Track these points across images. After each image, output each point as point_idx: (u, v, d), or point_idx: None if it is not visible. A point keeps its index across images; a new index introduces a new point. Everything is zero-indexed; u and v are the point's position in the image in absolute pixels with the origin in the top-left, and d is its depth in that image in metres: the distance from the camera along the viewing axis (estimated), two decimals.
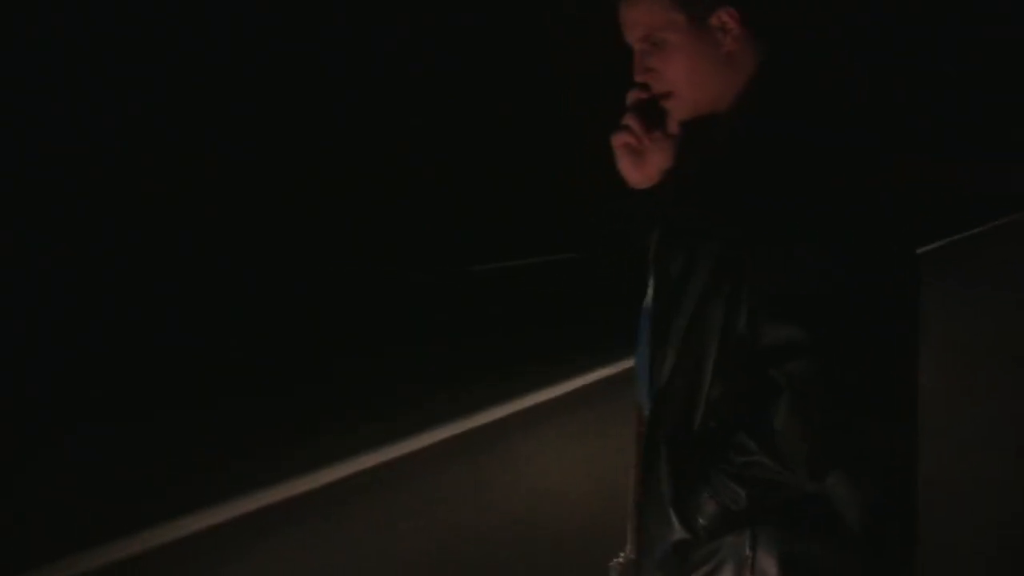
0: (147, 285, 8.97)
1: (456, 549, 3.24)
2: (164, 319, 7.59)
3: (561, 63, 16.42)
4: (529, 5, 16.78)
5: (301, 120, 13.51)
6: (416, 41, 15.58)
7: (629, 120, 1.38)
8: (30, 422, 4.72)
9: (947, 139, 31.58)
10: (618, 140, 1.39)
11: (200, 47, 12.14)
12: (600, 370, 5.26)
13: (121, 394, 5.25)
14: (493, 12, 16.41)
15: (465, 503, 3.63)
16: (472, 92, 16.15)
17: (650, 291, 1.38)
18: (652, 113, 1.37)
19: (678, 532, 1.22)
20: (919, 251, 1.32)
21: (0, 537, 3.33)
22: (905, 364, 1.22)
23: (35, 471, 4.02)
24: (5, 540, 3.31)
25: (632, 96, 1.38)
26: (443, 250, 11.60)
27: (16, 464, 4.07)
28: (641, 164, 1.39)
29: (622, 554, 1.52)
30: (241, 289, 9.17)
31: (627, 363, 1.52)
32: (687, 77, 1.28)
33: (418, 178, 14.68)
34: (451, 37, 16.03)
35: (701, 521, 1.20)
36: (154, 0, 11.71)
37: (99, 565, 3.10)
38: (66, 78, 10.90)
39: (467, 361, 5.88)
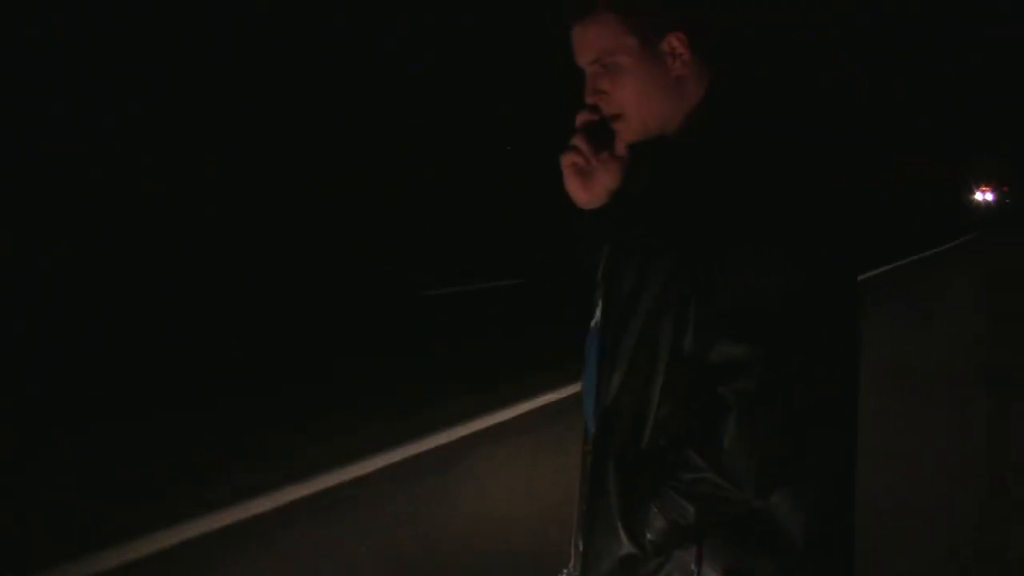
0: (147, 285, 8.98)
1: (402, 570, 3.20)
2: (164, 319, 7.60)
3: (561, 63, 16.41)
4: (529, 5, 16.79)
5: (301, 120, 13.55)
6: (416, 41, 15.60)
7: (577, 141, 1.38)
8: (30, 422, 4.72)
9: (947, 139, 31.61)
10: (566, 160, 1.39)
11: (200, 47, 12.16)
12: (546, 395, 5.25)
13: (121, 394, 5.25)
14: (493, 12, 16.43)
15: (415, 524, 3.58)
16: (472, 92, 16.18)
17: (598, 311, 1.39)
18: (600, 134, 1.37)
19: (625, 547, 1.23)
20: (871, 274, 1.32)
21: (0, 538, 3.32)
22: (848, 381, 1.24)
23: (35, 471, 4.01)
24: (5, 541, 3.31)
25: (581, 117, 1.38)
26: (394, 272, 11.55)
27: (16, 464, 4.06)
28: (588, 185, 1.39)
29: (565, 570, 1.52)
30: (241, 289, 9.18)
31: (574, 387, 1.51)
32: (637, 100, 1.30)
33: (418, 179, 14.72)
34: (451, 37, 16.05)
35: (649, 536, 1.21)
36: (154, 0, 11.72)
37: (98, 570, 3.10)
38: (66, 78, 10.92)
39: (413, 385, 5.83)
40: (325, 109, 13.99)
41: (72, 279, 8.81)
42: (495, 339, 7.69)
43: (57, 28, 10.82)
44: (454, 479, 4.15)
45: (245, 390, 5.49)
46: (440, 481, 4.11)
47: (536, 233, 12.26)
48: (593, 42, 1.29)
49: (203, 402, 5.17)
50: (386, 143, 14.66)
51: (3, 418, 4.76)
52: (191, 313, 7.94)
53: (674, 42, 1.26)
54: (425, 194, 14.37)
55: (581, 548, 1.40)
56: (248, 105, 12.75)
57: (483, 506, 3.83)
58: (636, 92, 1.29)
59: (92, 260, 9.43)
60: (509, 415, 5.11)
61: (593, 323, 1.41)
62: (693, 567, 1.21)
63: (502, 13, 16.59)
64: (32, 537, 3.37)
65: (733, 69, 1.30)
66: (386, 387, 5.74)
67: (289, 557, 3.30)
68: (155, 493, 3.79)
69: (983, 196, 44.54)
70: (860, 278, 1.29)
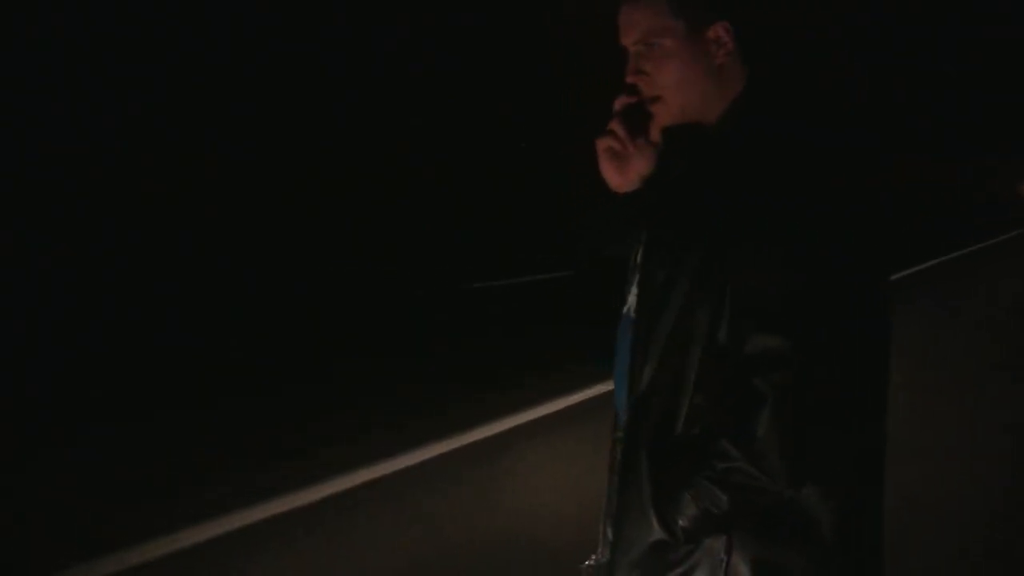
0: (147, 285, 8.97)
1: (449, 562, 3.24)
2: (164, 319, 7.59)
3: (561, 63, 16.44)
4: (529, 5, 16.78)
5: (301, 120, 13.52)
6: (416, 41, 15.58)
7: (615, 125, 1.42)
8: (31, 422, 4.72)
9: (947, 139, 31.45)
10: (602, 144, 1.43)
11: (200, 47, 12.15)
12: (587, 389, 5.26)
13: (121, 394, 5.25)
14: (493, 12, 16.41)
15: (456, 518, 3.62)
16: (472, 92, 16.15)
17: (630, 298, 1.40)
18: (637, 120, 1.40)
19: (657, 533, 1.24)
20: (906, 272, 1.33)
21: (0, 539, 3.32)
22: (879, 374, 1.25)
23: (36, 471, 4.02)
24: (8, 542, 3.31)
25: (619, 101, 1.41)
26: (442, 256, 11.62)
27: (17, 464, 4.07)
28: (623, 169, 1.44)
29: (593, 556, 1.55)
30: (241, 289, 9.17)
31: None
32: (677, 83, 1.31)
33: (418, 179, 14.69)
34: (451, 37, 16.03)
35: (681, 523, 1.22)
36: (154, 0, 11.72)
37: (108, 572, 3.09)
38: (66, 78, 10.91)
39: (458, 378, 5.88)
40: (325, 109, 13.97)
41: (72, 279, 8.82)
42: (538, 332, 7.62)
43: (57, 28, 10.81)
44: (495, 475, 4.16)
45: (258, 389, 5.50)
46: (482, 476, 4.13)
47: (533, 246, 12.30)
48: (641, 22, 1.30)
49: (203, 402, 5.18)
50: (386, 143, 14.64)
51: (5, 418, 4.76)
52: (192, 313, 7.95)
53: (720, 31, 1.28)
54: (425, 193, 14.35)
55: (610, 535, 1.41)
56: (248, 105, 12.74)
57: (523, 501, 3.85)
58: (677, 75, 1.30)
59: (92, 260, 9.43)
60: (548, 410, 5.12)
61: (625, 310, 1.41)
62: (722, 555, 1.22)
63: (502, 13, 16.57)
64: (33, 538, 3.37)
65: (773, 65, 1.31)
66: (425, 385, 5.75)
67: (312, 557, 3.30)
68: (160, 493, 3.80)
69: None
70: (896, 276, 1.30)
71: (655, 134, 1.41)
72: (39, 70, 10.59)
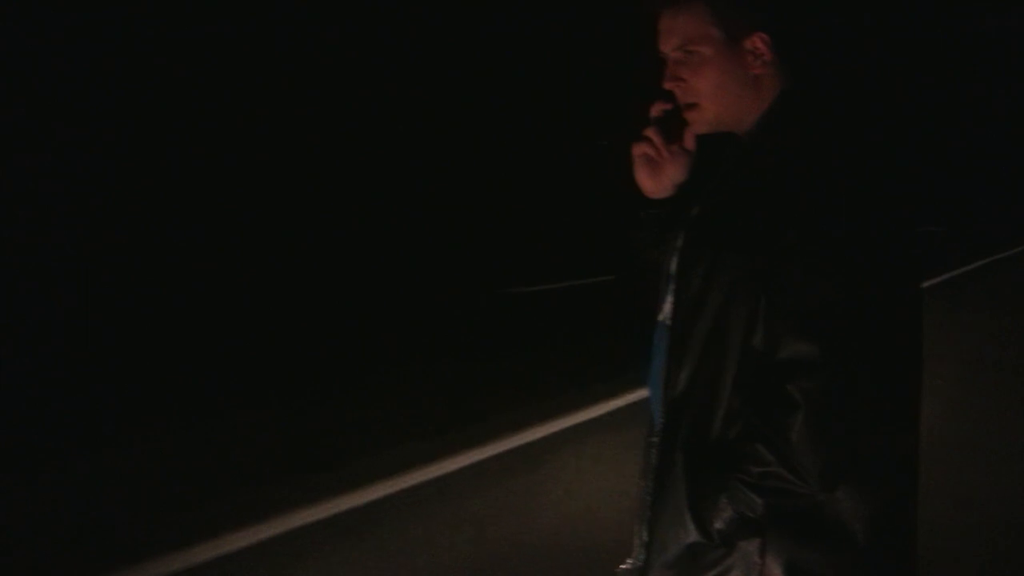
0: (151, 284, 8.99)
1: (495, 564, 3.27)
2: (207, 330, 7.55)
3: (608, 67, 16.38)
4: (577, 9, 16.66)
5: (342, 121, 13.52)
6: (469, 39, 15.50)
7: (650, 132, 1.45)
8: (58, 432, 4.72)
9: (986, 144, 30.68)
10: (638, 150, 1.46)
11: (212, 48, 12.16)
12: (631, 393, 5.28)
13: (161, 404, 5.23)
14: (545, 16, 16.30)
15: (500, 523, 3.64)
16: (518, 109, 16.13)
17: (666, 304, 1.42)
18: (672, 127, 1.43)
19: (692, 535, 1.26)
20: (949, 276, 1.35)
21: (26, 550, 3.34)
22: (912, 382, 1.27)
23: (75, 478, 4.01)
24: (97, 529, 3.34)
25: (656, 108, 1.44)
26: (483, 261, 11.67)
27: (36, 476, 4.07)
28: (657, 175, 1.46)
29: (629, 560, 1.55)
30: (285, 296, 9.15)
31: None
32: (713, 91, 1.33)
33: (460, 182, 14.70)
34: (499, 39, 15.95)
35: (717, 525, 1.24)
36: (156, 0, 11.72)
37: (196, 562, 3.14)
38: (65, 78, 10.92)
39: (500, 383, 5.92)
40: (368, 110, 13.96)
41: (98, 283, 8.85)
42: (580, 337, 7.69)
43: (58, 27, 10.83)
44: (540, 478, 4.18)
45: (305, 395, 5.51)
46: (527, 480, 4.14)
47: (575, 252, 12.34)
48: (681, 29, 1.33)
49: (261, 404, 5.22)
50: (431, 144, 14.65)
51: (72, 417, 4.79)
52: (238, 325, 7.93)
53: (758, 42, 1.30)
54: (467, 197, 14.36)
55: (644, 538, 1.44)
56: (292, 104, 12.75)
57: (566, 505, 3.87)
58: (714, 83, 1.32)
59: (168, 264, 9.56)
60: (591, 415, 5.14)
61: (660, 318, 1.44)
62: (756, 558, 1.24)
63: (551, 18, 16.48)
64: (123, 530, 3.40)
65: (808, 77, 1.34)
66: (470, 388, 5.77)
67: (377, 553, 3.34)
68: (210, 496, 3.83)
69: None
70: (928, 283, 1.32)
71: (689, 141, 1.43)
72: (40, 69, 10.61)
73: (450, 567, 3.25)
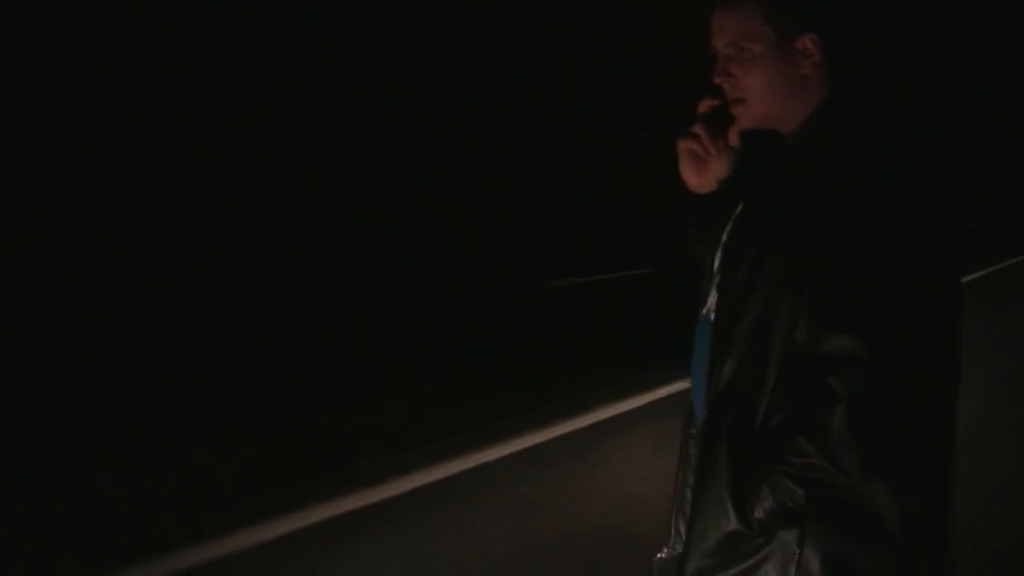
0: (152, 285, 9.00)
1: (539, 553, 3.30)
2: (208, 331, 7.56)
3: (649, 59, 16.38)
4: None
5: (350, 130, 13.54)
6: (503, 30, 15.50)
7: (697, 128, 1.49)
8: (42, 426, 4.73)
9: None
10: (684, 145, 1.51)
11: (211, 48, 12.17)
12: (675, 383, 5.31)
13: (240, 394, 5.27)
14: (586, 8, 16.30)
15: (547, 509, 3.69)
16: (551, 104, 16.14)
17: (710, 299, 1.45)
18: (719, 124, 1.47)
19: (732, 523, 1.29)
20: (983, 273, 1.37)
21: (47, 546, 3.35)
22: (950, 380, 1.29)
23: (99, 479, 4.02)
24: (53, 548, 3.35)
25: (704, 104, 1.48)
26: (525, 254, 11.75)
27: (127, 456, 4.11)
28: (702, 170, 1.51)
29: (665, 548, 1.61)
30: (336, 294, 9.18)
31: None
32: (762, 88, 1.36)
33: (499, 174, 14.73)
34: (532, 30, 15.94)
35: (758, 515, 1.27)
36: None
37: (233, 550, 3.18)
38: (65, 78, 10.93)
39: (551, 372, 5.98)
40: (397, 104, 13.98)
41: (138, 278, 8.88)
42: (623, 329, 7.72)
43: (57, 26, 10.83)
44: (587, 466, 4.24)
45: (332, 394, 5.54)
46: (574, 467, 4.19)
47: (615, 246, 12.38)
48: (733, 26, 1.35)
49: (321, 401, 5.25)
50: (468, 137, 14.68)
51: (73, 419, 4.80)
52: (272, 319, 7.96)
53: (808, 43, 1.33)
54: (507, 189, 14.40)
55: (682, 528, 1.49)
56: (309, 102, 12.78)
57: (613, 491, 3.92)
58: (762, 81, 1.35)
59: (168, 264, 9.59)
60: (636, 404, 5.21)
61: (704, 311, 1.46)
62: (795, 548, 1.26)
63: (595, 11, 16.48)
64: (167, 518, 3.42)
65: (853, 81, 1.36)
66: (519, 377, 5.81)
67: (425, 539, 3.39)
68: (262, 485, 3.87)
69: None
70: (967, 279, 1.34)
71: (734, 138, 1.47)
72: (39, 69, 10.61)
73: (494, 555, 3.28)
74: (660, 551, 1.61)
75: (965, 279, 1.34)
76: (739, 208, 1.41)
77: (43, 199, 10.22)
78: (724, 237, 1.43)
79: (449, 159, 14.77)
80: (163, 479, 4.00)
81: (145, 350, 6.56)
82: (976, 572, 3.01)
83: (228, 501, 3.70)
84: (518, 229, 13.58)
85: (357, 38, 14.12)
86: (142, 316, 7.71)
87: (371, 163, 13.88)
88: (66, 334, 6.97)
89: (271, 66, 12.92)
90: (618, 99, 16.93)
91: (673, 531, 1.59)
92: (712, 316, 1.40)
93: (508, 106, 16.06)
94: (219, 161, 12.11)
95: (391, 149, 14.33)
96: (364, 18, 14.17)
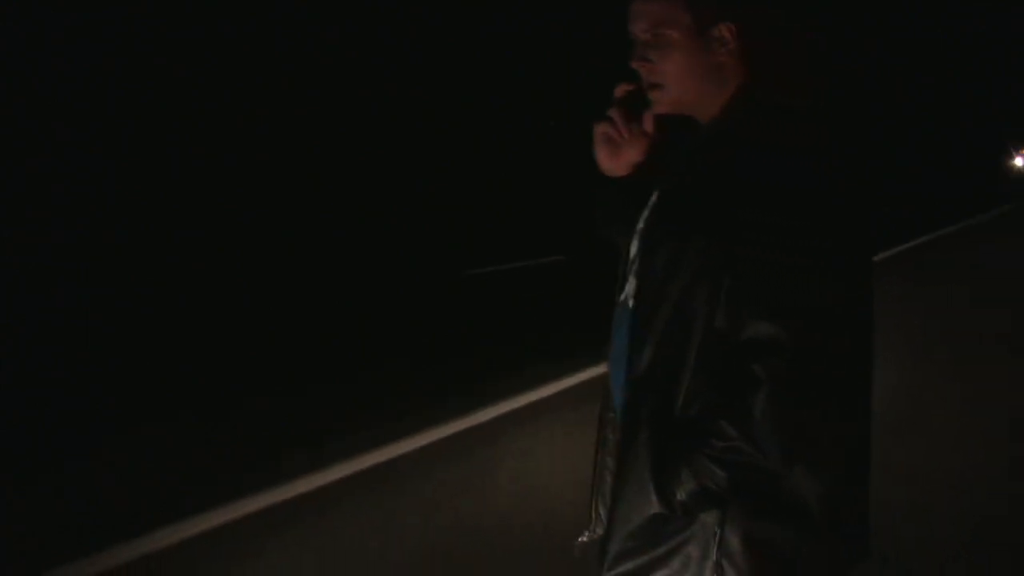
0: (147, 283, 9.03)
1: (449, 545, 3.30)
2: (166, 320, 7.63)
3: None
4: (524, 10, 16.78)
5: (295, 121, 13.56)
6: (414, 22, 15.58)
7: (613, 112, 1.51)
8: (43, 427, 4.76)
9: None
10: (599, 129, 1.53)
11: (206, 46, 12.19)
12: (584, 372, 5.33)
13: (126, 397, 5.27)
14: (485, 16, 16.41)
15: (455, 502, 3.68)
16: (459, 92, 16.18)
17: (627, 285, 1.46)
18: (634, 109, 1.49)
19: (654, 507, 1.30)
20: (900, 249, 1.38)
21: (13, 540, 3.37)
22: (866, 362, 1.30)
23: (49, 476, 4.06)
24: (18, 543, 3.36)
25: (619, 89, 1.50)
26: (435, 253, 11.70)
27: (27, 469, 4.11)
28: (616, 154, 1.53)
29: (587, 532, 1.62)
30: (242, 289, 9.21)
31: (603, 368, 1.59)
32: (678, 74, 1.37)
33: (411, 179, 14.75)
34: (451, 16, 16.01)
35: (679, 497, 1.28)
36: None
37: (104, 567, 3.16)
38: (65, 78, 10.95)
39: (454, 364, 5.95)
40: (318, 109, 14.00)
41: (80, 277, 8.87)
42: (532, 317, 7.73)
43: (68, 24, 10.85)
44: (493, 458, 4.22)
45: (245, 391, 5.52)
46: (477, 461, 4.17)
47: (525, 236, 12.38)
48: (651, 12, 1.37)
49: (206, 404, 5.22)
50: (377, 130, 14.68)
51: (13, 422, 4.81)
52: (192, 315, 7.97)
53: (724, 31, 1.34)
54: (415, 182, 14.41)
55: (602, 511, 1.51)
56: (243, 106, 12.79)
57: (518, 484, 3.90)
58: (679, 67, 1.37)
59: (168, 264, 9.62)
60: (539, 395, 5.17)
61: (622, 298, 1.48)
62: (715, 529, 1.28)
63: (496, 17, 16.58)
64: (42, 540, 3.43)
65: (769, 70, 1.38)
66: (420, 371, 5.80)
67: (330, 538, 3.37)
68: (162, 494, 3.86)
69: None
70: (888, 253, 1.35)
71: (650, 124, 1.50)
72: (40, 68, 10.64)
73: (403, 550, 3.28)
74: (580, 535, 1.62)
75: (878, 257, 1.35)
76: (656, 196, 1.42)
77: (43, 199, 10.24)
78: (641, 224, 1.44)
79: (449, 159, 14.80)
80: (97, 478, 3.99)
81: (145, 350, 6.57)
82: (884, 546, 3.03)
83: (151, 499, 3.69)
84: (425, 219, 13.53)
85: (357, 38, 14.15)
86: (142, 316, 7.72)
87: (371, 163, 13.91)
88: (66, 334, 6.98)
89: (271, 66, 12.95)
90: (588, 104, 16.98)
91: (593, 514, 1.60)
92: (630, 303, 1.41)
93: (508, 106, 16.09)
94: (219, 161, 12.14)
95: (391, 149, 14.36)
96: (364, 18, 14.21)
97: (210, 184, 11.79)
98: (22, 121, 10.35)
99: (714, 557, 1.27)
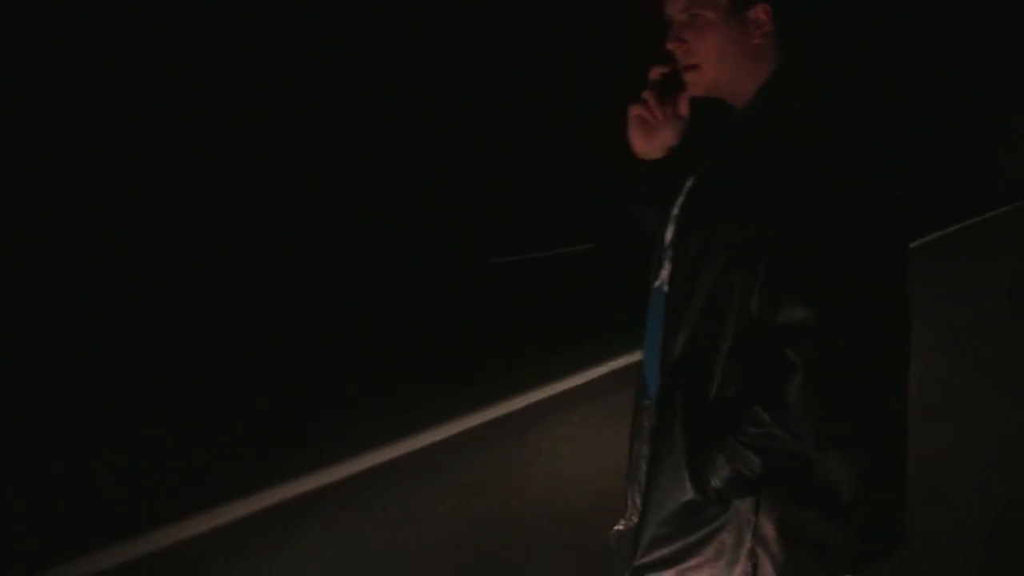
0: (147, 283, 9.02)
1: (479, 536, 3.30)
2: (170, 317, 7.62)
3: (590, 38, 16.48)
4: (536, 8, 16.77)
5: (295, 121, 13.54)
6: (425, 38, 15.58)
7: (647, 94, 1.51)
8: (39, 422, 4.75)
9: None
10: (633, 111, 1.52)
11: (207, 45, 12.17)
12: (617, 359, 5.33)
13: (130, 394, 5.28)
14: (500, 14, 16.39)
15: (486, 491, 3.69)
16: (460, 92, 16.17)
17: (662, 272, 1.45)
18: (669, 91, 1.49)
19: (689, 493, 1.30)
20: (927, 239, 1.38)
21: (9, 538, 3.36)
22: (901, 343, 1.30)
23: (44, 472, 4.05)
24: (14, 541, 3.36)
25: (654, 71, 1.49)
26: (462, 243, 11.76)
27: (25, 464, 4.11)
28: (649, 137, 1.53)
29: (622, 520, 1.62)
30: (242, 289, 9.21)
31: (638, 355, 1.58)
32: (713, 56, 1.37)
33: (435, 155, 14.75)
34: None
35: (714, 483, 1.28)
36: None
37: (110, 565, 3.15)
38: (65, 78, 10.93)
39: (485, 353, 5.97)
40: (339, 97, 13.98)
41: (77, 275, 8.86)
42: (562, 306, 7.72)
43: (68, 24, 10.84)
44: (527, 445, 4.23)
45: (267, 381, 5.54)
46: (513, 447, 4.18)
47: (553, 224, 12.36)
48: None
49: (222, 396, 5.23)
50: (401, 117, 14.68)
51: (12, 418, 4.81)
52: (203, 309, 7.98)
53: (761, 13, 1.34)
54: (443, 171, 14.43)
55: (637, 500, 1.49)
56: (258, 98, 12.77)
57: (551, 472, 3.91)
58: (714, 48, 1.36)
59: (168, 264, 9.60)
60: (573, 383, 5.20)
61: (657, 284, 1.47)
62: (750, 516, 1.28)
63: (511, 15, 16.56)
64: (40, 538, 3.42)
65: (804, 54, 1.37)
66: (452, 361, 5.81)
67: (364, 525, 3.39)
68: (203, 471, 3.88)
69: None
70: (914, 244, 1.35)
71: (684, 107, 1.50)
72: (39, 68, 10.62)
73: (436, 537, 3.28)
74: (616, 523, 1.62)
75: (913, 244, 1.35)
76: (690, 181, 1.42)
77: (43, 199, 10.22)
78: (676, 211, 1.44)
79: (449, 159, 14.78)
80: (97, 478, 3.99)
81: (144, 349, 6.56)
82: (933, 542, 3.03)
83: (175, 489, 3.71)
84: (454, 206, 13.53)
85: (357, 38, 14.13)
86: (142, 316, 7.70)
87: (371, 163, 13.89)
88: (66, 334, 6.97)
89: (271, 66, 12.92)
90: (616, 98, 16.96)
91: (629, 502, 1.60)
92: (665, 289, 1.40)
93: (508, 106, 16.07)
94: (219, 161, 12.12)
95: (391, 149, 14.33)
96: (364, 18, 14.18)
97: (210, 184, 11.76)
98: (22, 121, 10.32)
99: (748, 544, 1.27)
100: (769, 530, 1.27)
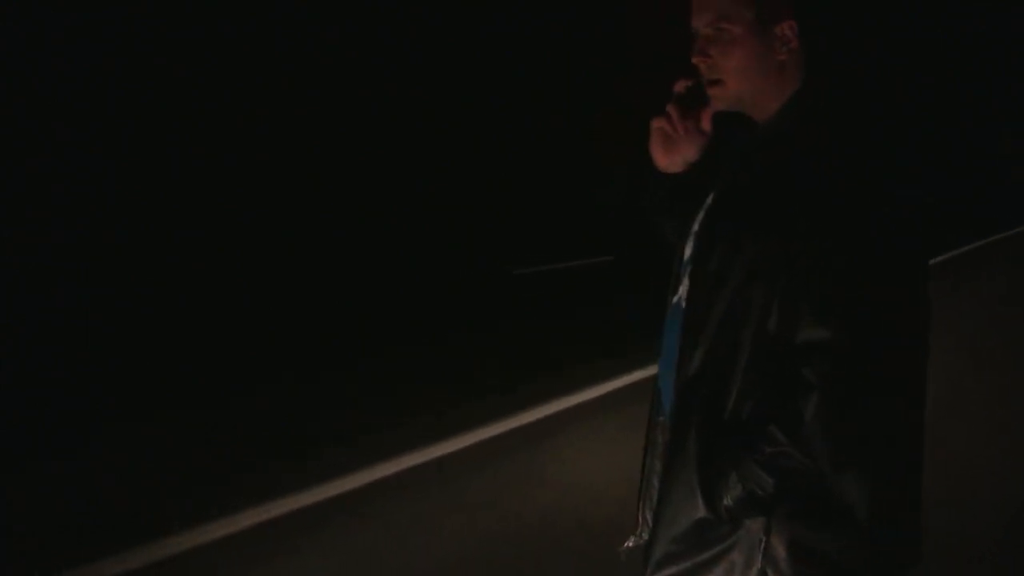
0: (147, 283, 9.01)
1: (491, 548, 3.29)
2: (170, 317, 7.62)
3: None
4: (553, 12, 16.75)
5: (295, 121, 13.54)
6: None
7: (670, 107, 1.50)
8: (39, 422, 4.75)
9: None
10: (656, 123, 1.52)
11: (208, 46, 12.17)
12: (632, 373, 5.30)
13: (130, 394, 5.27)
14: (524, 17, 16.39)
15: (498, 504, 3.67)
16: (460, 92, 16.17)
17: (681, 288, 1.44)
18: (692, 107, 1.48)
19: (701, 511, 1.29)
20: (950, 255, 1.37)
21: (14, 541, 3.36)
22: (920, 367, 1.29)
23: (44, 472, 4.05)
24: (19, 544, 3.35)
25: (679, 85, 1.49)
26: (484, 243, 11.78)
27: (29, 468, 4.10)
28: (671, 151, 1.51)
29: (633, 536, 1.61)
30: (242, 289, 9.20)
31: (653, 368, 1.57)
32: (739, 70, 1.36)
33: (458, 166, 14.76)
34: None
35: (726, 502, 1.27)
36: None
37: (117, 572, 3.15)
38: (65, 78, 10.93)
39: (504, 362, 5.97)
40: (358, 91, 14.00)
41: (79, 277, 8.86)
42: (580, 318, 7.72)
43: (68, 24, 10.83)
44: (540, 458, 4.21)
45: (281, 386, 5.53)
46: (526, 459, 4.17)
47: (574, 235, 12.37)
48: (715, 6, 1.35)
49: (233, 401, 5.23)
50: (425, 126, 14.69)
51: (16, 420, 4.80)
52: (220, 312, 7.97)
53: (787, 30, 1.33)
54: (465, 181, 14.45)
55: (649, 516, 1.48)
56: (276, 99, 12.77)
57: (568, 483, 3.88)
58: (739, 64, 1.35)
59: (168, 264, 9.57)
60: (591, 395, 5.16)
61: (675, 299, 1.46)
62: (761, 536, 1.26)
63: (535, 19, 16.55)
64: (45, 542, 3.41)
65: (828, 72, 1.37)
66: (472, 368, 5.79)
67: (376, 534, 3.38)
68: (211, 480, 3.87)
69: None
70: (934, 261, 1.34)
71: (707, 123, 1.48)
72: (40, 68, 10.61)
73: (447, 550, 3.26)
74: (627, 540, 1.61)
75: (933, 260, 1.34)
76: (711, 197, 1.41)
77: (43, 199, 10.22)
78: (696, 227, 1.43)
79: (449, 159, 14.78)
80: (97, 478, 3.99)
81: (144, 349, 6.56)
82: (945, 544, 3.01)
83: (186, 495, 3.69)
84: (475, 217, 13.54)
85: (357, 38, 14.13)
86: (142, 316, 7.70)
87: (371, 163, 13.88)
88: (66, 334, 6.97)
89: (271, 66, 12.92)
90: (616, 98, 16.98)
91: (640, 518, 1.59)
92: (683, 304, 1.40)
93: (508, 106, 16.06)
94: (219, 161, 12.11)
95: (391, 149, 14.33)
96: (364, 18, 14.18)
97: (210, 184, 11.76)
98: (22, 121, 10.32)
99: (759, 564, 1.26)
100: (780, 550, 1.26)
